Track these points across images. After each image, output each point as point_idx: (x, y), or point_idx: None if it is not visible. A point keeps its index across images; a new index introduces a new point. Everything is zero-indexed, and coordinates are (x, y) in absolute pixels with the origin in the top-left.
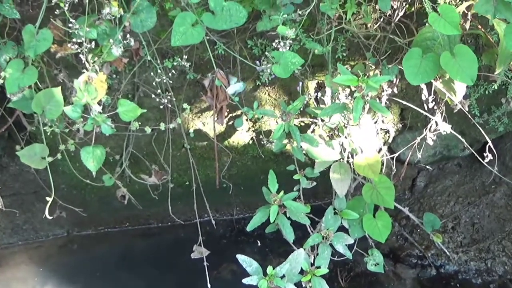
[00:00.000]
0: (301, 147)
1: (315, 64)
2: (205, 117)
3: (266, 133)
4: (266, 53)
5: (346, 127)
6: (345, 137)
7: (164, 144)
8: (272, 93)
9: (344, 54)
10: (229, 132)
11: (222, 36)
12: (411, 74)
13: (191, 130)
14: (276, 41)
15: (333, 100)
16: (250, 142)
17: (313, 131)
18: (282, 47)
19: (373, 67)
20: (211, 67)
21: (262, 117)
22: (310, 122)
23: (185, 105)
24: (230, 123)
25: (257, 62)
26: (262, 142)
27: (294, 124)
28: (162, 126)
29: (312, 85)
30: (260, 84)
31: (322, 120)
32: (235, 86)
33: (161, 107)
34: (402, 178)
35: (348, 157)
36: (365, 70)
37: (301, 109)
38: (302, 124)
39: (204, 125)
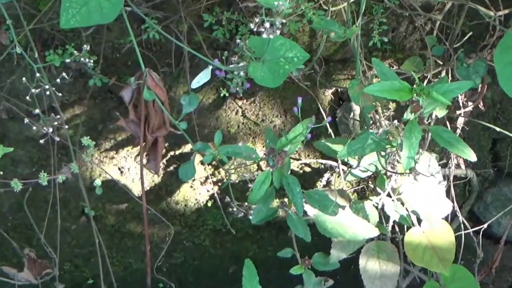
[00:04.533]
0: (304, 214)
1: (330, 59)
2: (125, 158)
3: (239, 188)
4: (238, 39)
5: (389, 178)
6: (388, 195)
7: (47, 210)
8: (249, 111)
9: (385, 40)
10: (170, 186)
11: (155, 8)
12: (509, 78)
13: (98, 183)
14: (257, 19)
15: (365, 127)
16: (209, 203)
17: (328, 183)
18: (267, 30)
19: (440, 63)
20: (135, 66)
21: (231, 159)
22: (322, 167)
23: (86, 139)
24: (171, 168)
25: (216, 60)
26: (231, 208)
27: (292, 171)
28: (44, 177)
29: (326, 98)
30: (227, 95)
31: (345, 164)
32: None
33: (42, 141)
34: (496, 269)
35: (394, 233)
36: (424, 69)
37: (304, 142)
38: (307, 170)
39: (122, 173)
